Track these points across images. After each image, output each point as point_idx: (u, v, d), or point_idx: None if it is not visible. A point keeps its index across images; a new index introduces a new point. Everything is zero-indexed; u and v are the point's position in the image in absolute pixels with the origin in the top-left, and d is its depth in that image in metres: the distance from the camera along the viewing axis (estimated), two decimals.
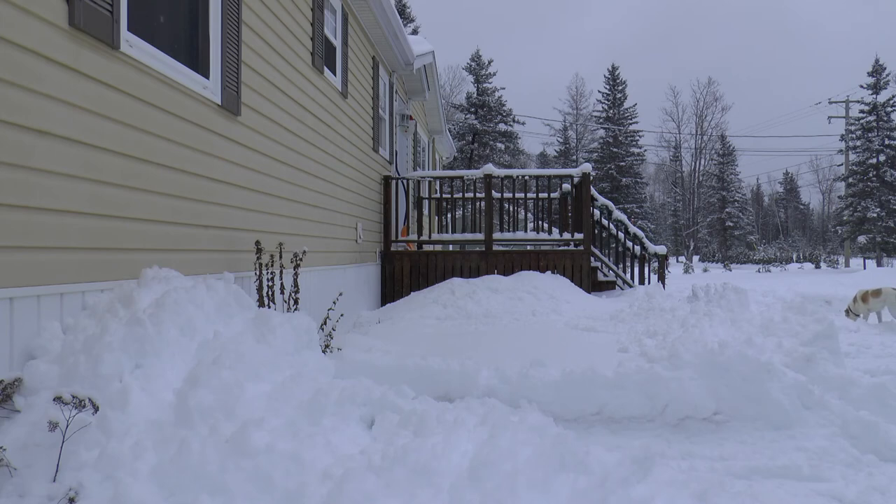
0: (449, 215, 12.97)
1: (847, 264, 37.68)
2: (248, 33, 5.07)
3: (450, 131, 26.06)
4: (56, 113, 2.91)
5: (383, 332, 6.68)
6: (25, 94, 2.72)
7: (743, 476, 3.27)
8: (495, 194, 11.15)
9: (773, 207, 79.22)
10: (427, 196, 12.85)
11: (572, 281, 9.59)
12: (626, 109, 51.38)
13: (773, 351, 4.84)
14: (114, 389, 2.56)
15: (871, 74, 39.52)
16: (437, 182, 14.12)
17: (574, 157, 54.81)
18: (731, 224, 54.26)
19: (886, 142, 38.37)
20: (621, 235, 11.15)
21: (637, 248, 11.06)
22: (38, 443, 2.34)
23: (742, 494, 2.89)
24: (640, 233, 11.09)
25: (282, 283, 4.94)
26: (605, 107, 51.84)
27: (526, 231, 11.34)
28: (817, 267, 34.12)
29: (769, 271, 30.35)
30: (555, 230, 11.23)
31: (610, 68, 52.43)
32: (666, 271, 11.16)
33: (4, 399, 2.51)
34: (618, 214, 11.09)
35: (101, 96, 3.23)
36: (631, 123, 51.19)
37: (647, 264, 11.05)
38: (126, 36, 3.44)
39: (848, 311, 9.44)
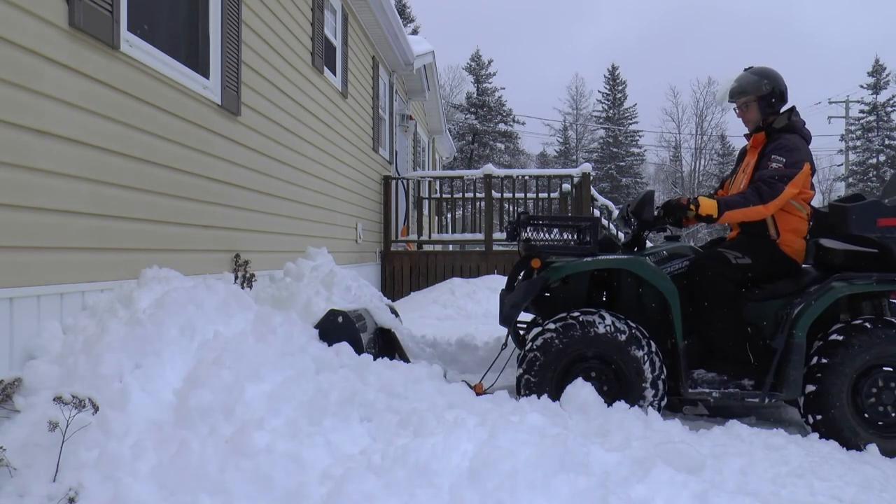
0: (449, 215, 12.96)
1: None
2: (248, 33, 5.07)
3: (450, 131, 26.05)
4: (56, 113, 2.91)
5: None
6: (25, 93, 2.72)
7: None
8: (495, 194, 11.14)
9: None
10: (427, 196, 12.85)
11: None
12: (626, 109, 51.34)
13: None
14: (114, 389, 2.56)
15: (871, 74, 39.58)
16: (437, 182, 14.14)
17: (574, 157, 54.76)
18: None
19: (886, 142, 38.44)
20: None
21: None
22: (38, 443, 2.34)
23: (741, 493, 2.88)
24: None
25: None
26: (606, 107, 51.80)
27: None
28: None
29: None
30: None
31: (610, 68, 52.46)
32: None
33: (4, 399, 2.51)
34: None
35: (101, 96, 3.23)
36: (631, 123, 51.16)
37: None
38: (126, 36, 3.44)
39: None
